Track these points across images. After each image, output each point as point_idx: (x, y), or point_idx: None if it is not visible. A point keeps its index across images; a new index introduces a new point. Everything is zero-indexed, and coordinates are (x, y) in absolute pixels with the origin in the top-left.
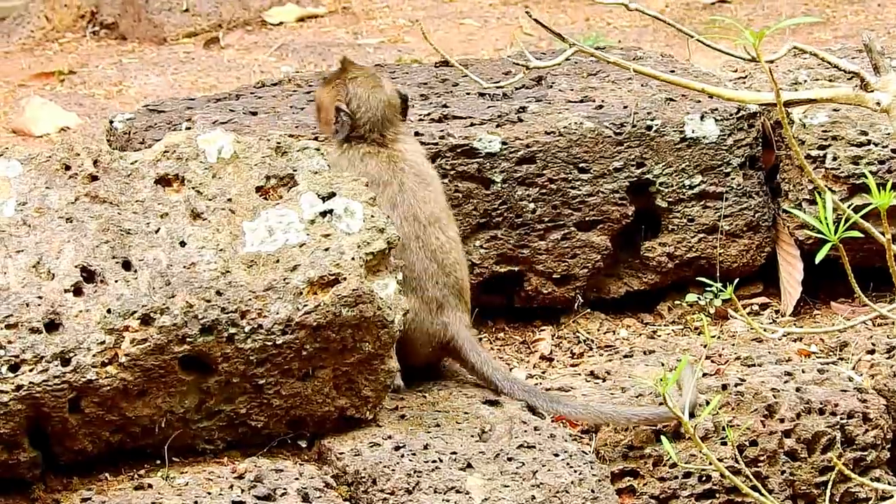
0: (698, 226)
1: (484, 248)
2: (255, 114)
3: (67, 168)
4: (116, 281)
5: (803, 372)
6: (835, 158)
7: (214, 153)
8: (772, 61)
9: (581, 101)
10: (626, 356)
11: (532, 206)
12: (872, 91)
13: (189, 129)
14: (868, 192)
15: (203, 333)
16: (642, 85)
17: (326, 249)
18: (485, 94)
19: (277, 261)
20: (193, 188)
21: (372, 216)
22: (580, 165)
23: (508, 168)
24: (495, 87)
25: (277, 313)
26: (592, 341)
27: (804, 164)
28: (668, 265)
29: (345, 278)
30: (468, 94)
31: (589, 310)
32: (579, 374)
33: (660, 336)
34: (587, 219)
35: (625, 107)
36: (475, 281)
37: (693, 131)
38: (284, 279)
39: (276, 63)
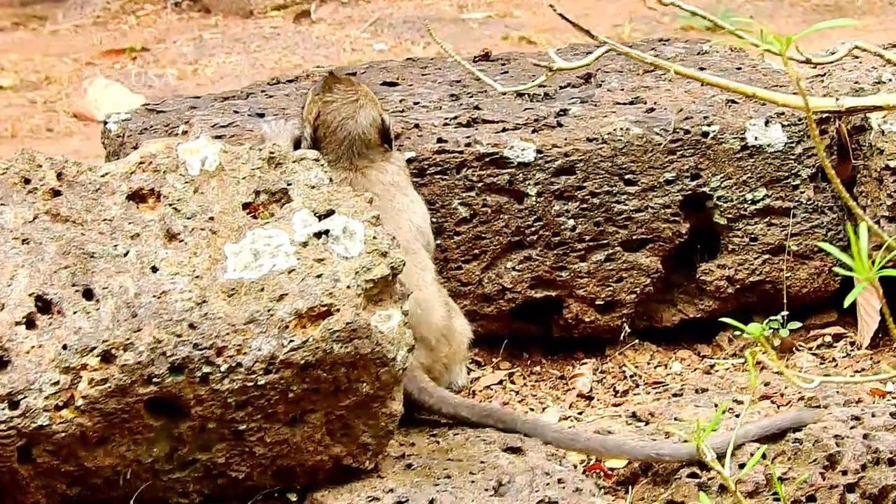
0: (762, 246)
1: (517, 270)
2: (262, 115)
3: (27, 182)
4: (75, 312)
5: (873, 416)
6: None
7: (197, 165)
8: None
9: (631, 104)
10: (674, 395)
11: (571, 222)
12: None
13: (185, 133)
14: None
15: (172, 373)
16: (702, 85)
17: (319, 276)
18: (523, 94)
19: (262, 289)
20: (170, 205)
21: (374, 237)
22: (626, 177)
23: (544, 179)
24: (514, 89)
25: (259, 350)
26: (640, 377)
27: (882, 176)
28: (728, 290)
29: (338, 309)
30: (504, 94)
31: (637, 340)
32: (619, 416)
33: (717, 372)
34: (635, 237)
35: (680, 110)
36: (506, 307)
37: (756, 138)
38: (269, 310)
39: (369, 40)
